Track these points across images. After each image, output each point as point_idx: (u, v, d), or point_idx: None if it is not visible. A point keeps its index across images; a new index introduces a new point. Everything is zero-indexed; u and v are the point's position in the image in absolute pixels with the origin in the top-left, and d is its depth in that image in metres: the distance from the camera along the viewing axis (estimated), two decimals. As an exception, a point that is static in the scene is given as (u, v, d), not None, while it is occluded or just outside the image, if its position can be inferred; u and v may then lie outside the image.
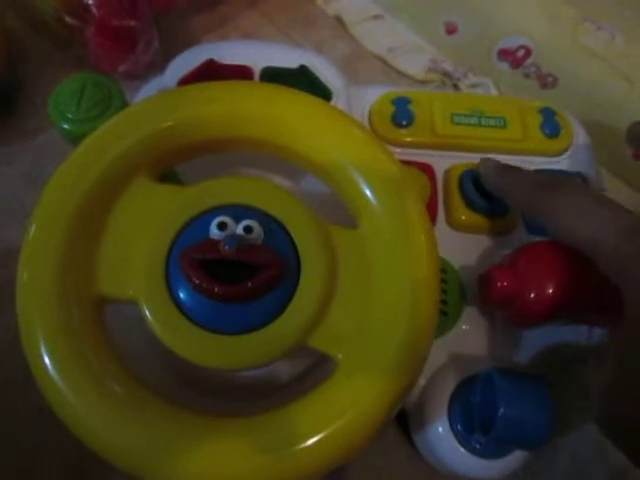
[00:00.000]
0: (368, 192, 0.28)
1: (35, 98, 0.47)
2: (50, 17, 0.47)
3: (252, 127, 0.29)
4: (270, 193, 0.28)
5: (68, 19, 0.46)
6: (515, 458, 0.31)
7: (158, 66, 0.49)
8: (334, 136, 0.29)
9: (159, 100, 0.30)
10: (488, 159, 0.34)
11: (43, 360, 0.24)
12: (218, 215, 0.26)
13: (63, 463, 0.35)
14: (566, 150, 0.38)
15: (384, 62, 0.54)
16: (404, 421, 0.35)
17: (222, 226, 0.26)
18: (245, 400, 0.31)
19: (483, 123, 0.37)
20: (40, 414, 0.33)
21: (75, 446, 0.25)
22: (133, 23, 0.46)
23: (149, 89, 0.36)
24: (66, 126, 0.31)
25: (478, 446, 0.30)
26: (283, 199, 0.28)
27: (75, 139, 0.30)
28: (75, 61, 0.48)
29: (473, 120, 0.37)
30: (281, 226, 0.27)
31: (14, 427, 0.36)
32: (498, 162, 0.34)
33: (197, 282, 0.25)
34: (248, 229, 0.26)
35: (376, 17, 0.57)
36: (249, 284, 0.25)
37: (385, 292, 0.27)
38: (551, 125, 0.38)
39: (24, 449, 0.35)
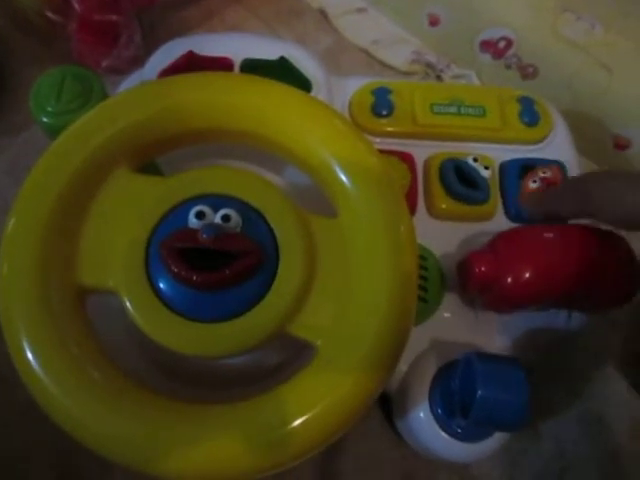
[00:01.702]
0: (347, 182, 0.28)
1: (18, 94, 0.47)
2: (32, 12, 0.47)
3: (232, 118, 0.30)
4: (249, 182, 0.28)
5: (50, 14, 0.46)
6: (496, 441, 0.31)
7: (141, 61, 0.48)
8: (313, 127, 0.29)
9: (139, 92, 0.30)
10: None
11: (25, 352, 0.25)
12: (196, 204, 0.26)
13: (54, 456, 0.35)
14: (545, 138, 0.38)
15: (368, 54, 0.54)
16: (387, 407, 0.35)
17: (200, 215, 0.26)
18: (227, 388, 0.31)
19: (462, 112, 0.38)
20: (29, 408, 0.34)
21: (64, 439, 0.25)
22: (115, 18, 0.46)
23: (130, 81, 0.36)
24: (46, 119, 0.31)
25: (459, 430, 0.31)
26: (262, 188, 0.28)
27: (55, 133, 0.30)
28: (59, 56, 0.48)
29: (452, 109, 0.38)
30: (260, 215, 0.27)
31: (6, 420, 0.36)
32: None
33: (176, 271, 0.25)
34: (226, 218, 0.26)
35: (360, 10, 0.57)
36: (227, 271, 0.25)
37: (364, 280, 0.27)
38: (530, 114, 0.38)
39: (15, 444, 0.36)
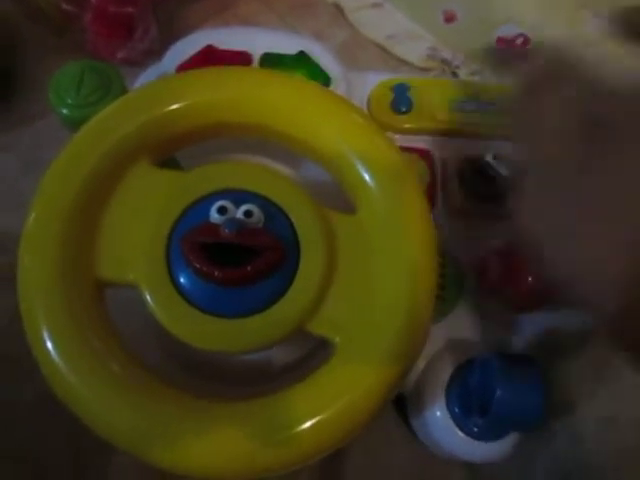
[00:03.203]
0: (367, 178, 0.28)
1: (32, 84, 0.47)
2: (46, 3, 0.47)
3: (252, 113, 0.29)
4: (270, 178, 0.28)
5: (64, 5, 0.46)
6: (511, 440, 0.31)
7: (156, 53, 0.48)
8: (333, 122, 0.29)
9: (159, 86, 0.30)
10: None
11: (45, 343, 0.25)
12: (218, 200, 0.26)
13: (67, 447, 0.35)
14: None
15: (383, 49, 0.54)
16: (401, 405, 0.35)
17: (222, 210, 0.26)
18: (243, 384, 0.31)
19: (482, 109, 0.37)
20: (41, 399, 0.34)
21: (78, 429, 0.25)
22: (130, 10, 0.45)
23: (148, 75, 0.36)
24: (65, 111, 0.31)
25: (475, 429, 0.31)
26: (283, 184, 0.28)
27: (74, 124, 0.30)
28: (72, 47, 0.48)
29: (472, 106, 0.37)
30: (281, 211, 0.27)
31: (18, 412, 0.36)
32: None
33: (197, 266, 0.25)
34: (248, 213, 0.26)
35: (375, 5, 0.57)
36: (249, 268, 0.25)
37: (383, 277, 0.27)
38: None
39: (28, 434, 0.36)
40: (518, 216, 0.25)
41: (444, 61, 0.54)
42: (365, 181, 0.28)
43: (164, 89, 0.30)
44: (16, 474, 0.35)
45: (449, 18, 0.53)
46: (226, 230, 0.25)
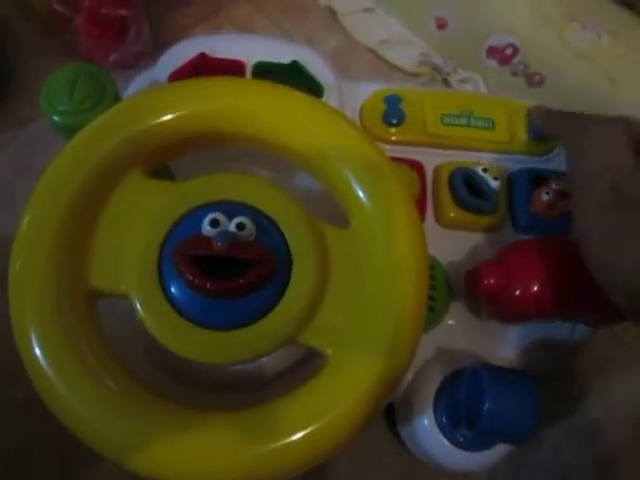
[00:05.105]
0: (359, 190, 0.28)
1: (24, 87, 0.47)
2: (39, 4, 0.46)
3: (245, 124, 0.29)
4: (263, 190, 0.28)
5: (57, 6, 0.45)
6: (498, 451, 0.31)
7: (148, 56, 0.48)
8: (327, 134, 0.29)
9: (152, 95, 0.30)
10: (537, 107, 0.37)
11: (34, 350, 0.25)
12: (211, 212, 0.26)
13: (55, 452, 0.35)
14: (553, 150, 0.39)
15: (375, 54, 0.54)
16: (390, 413, 0.36)
17: (214, 223, 0.26)
18: (233, 393, 0.31)
19: (472, 124, 0.38)
20: (30, 404, 0.34)
21: (65, 436, 0.25)
22: (124, 12, 0.45)
23: (141, 81, 0.36)
24: (57, 118, 0.30)
25: (462, 439, 0.31)
26: (275, 196, 0.28)
27: (66, 131, 0.30)
28: (64, 48, 0.48)
29: (462, 121, 0.38)
30: (273, 223, 0.27)
31: (6, 416, 0.36)
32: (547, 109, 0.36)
33: (190, 278, 0.25)
34: (240, 226, 0.26)
35: (367, 10, 0.57)
36: (241, 280, 0.25)
37: (375, 289, 0.27)
38: (537, 127, 0.38)
39: (16, 439, 0.36)
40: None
41: (435, 67, 0.54)
42: (357, 194, 0.28)
43: (158, 99, 0.29)
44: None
45: (441, 25, 0.54)
46: (218, 243, 0.25)
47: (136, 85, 0.36)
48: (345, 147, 0.29)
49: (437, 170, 0.37)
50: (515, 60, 0.51)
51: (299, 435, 0.24)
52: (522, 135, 0.38)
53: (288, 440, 0.24)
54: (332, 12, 0.56)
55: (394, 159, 0.35)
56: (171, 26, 0.52)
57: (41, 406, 0.25)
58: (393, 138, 0.37)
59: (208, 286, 0.25)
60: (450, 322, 0.34)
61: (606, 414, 0.39)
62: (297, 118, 0.30)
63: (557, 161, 0.38)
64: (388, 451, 0.37)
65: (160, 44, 0.48)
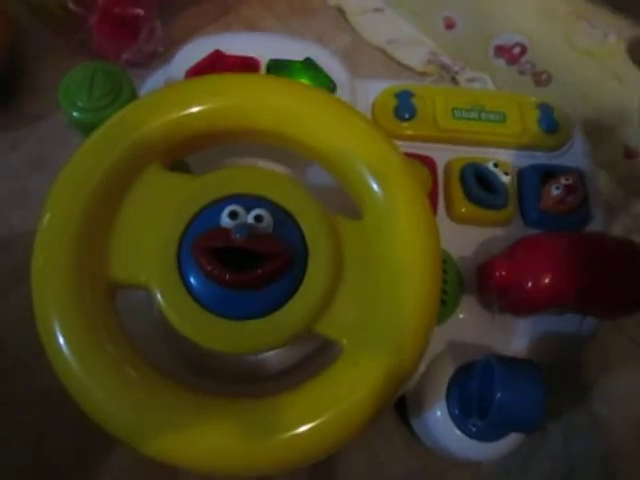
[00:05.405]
0: (373, 184, 0.29)
1: (38, 84, 0.47)
2: (53, 3, 0.47)
3: (261, 119, 0.30)
4: (280, 184, 0.29)
5: (71, 6, 0.46)
6: (509, 441, 0.32)
7: (161, 55, 0.49)
8: (340, 128, 0.30)
9: (171, 91, 0.30)
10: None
11: (57, 340, 0.25)
12: (229, 204, 0.27)
13: (72, 438, 0.36)
14: (563, 145, 0.39)
15: (384, 53, 0.55)
16: (401, 405, 0.36)
17: (233, 215, 0.26)
18: (249, 383, 0.32)
19: (483, 118, 0.38)
20: (46, 392, 0.34)
21: (82, 422, 0.26)
22: (137, 12, 0.46)
23: (157, 79, 0.37)
24: (76, 114, 0.31)
25: (474, 429, 0.32)
26: (292, 190, 0.29)
27: (85, 127, 0.30)
28: (77, 47, 0.48)
29: (473, 115, 0.38)
30: (290, 216, 0.28)
31: (22, 407, 0.37)
32: None
33: (209, 269, 0.26)
34: (258, 218, 0.26)
35: (376, 10, 0.57)
36: (259, 272, 0.26)
37: (388, 280, 0.27)
38: (549, 121, 0.39)
39: (34, 426, 0.36)
40: None
41: (444, 67, 0.54)
42: (371, 187, 0.29)
43: (176, 95, 0.30)
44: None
45: (449, 25, 0.54)
46: (237, 235, 0.25)
47: (152, 82, 0.37)
48: (359, 141, 0.30)
49: (448, 165, 0.37)
50: (523, 59, 0.51)
51: (313, 424, 0.25)
52: (533, 128, 0.39)
53: (301, 430, 0.25)
54: (341, 11, 0.57)
55: (406, 154, 0.35)
56: (182, 26, 0.53)
57: (57, 394, 0.26)
58: (405, 132, 0.38)
59: (227, 277, 0.26)
60: (461, 315, 0.35)
61: (613, 407, 0.39)
62: (312, 113, 0.30)
63: (567, 156, 0.39)
64: (399, 442, 0.37)
65: (171, 43, 0.49)
